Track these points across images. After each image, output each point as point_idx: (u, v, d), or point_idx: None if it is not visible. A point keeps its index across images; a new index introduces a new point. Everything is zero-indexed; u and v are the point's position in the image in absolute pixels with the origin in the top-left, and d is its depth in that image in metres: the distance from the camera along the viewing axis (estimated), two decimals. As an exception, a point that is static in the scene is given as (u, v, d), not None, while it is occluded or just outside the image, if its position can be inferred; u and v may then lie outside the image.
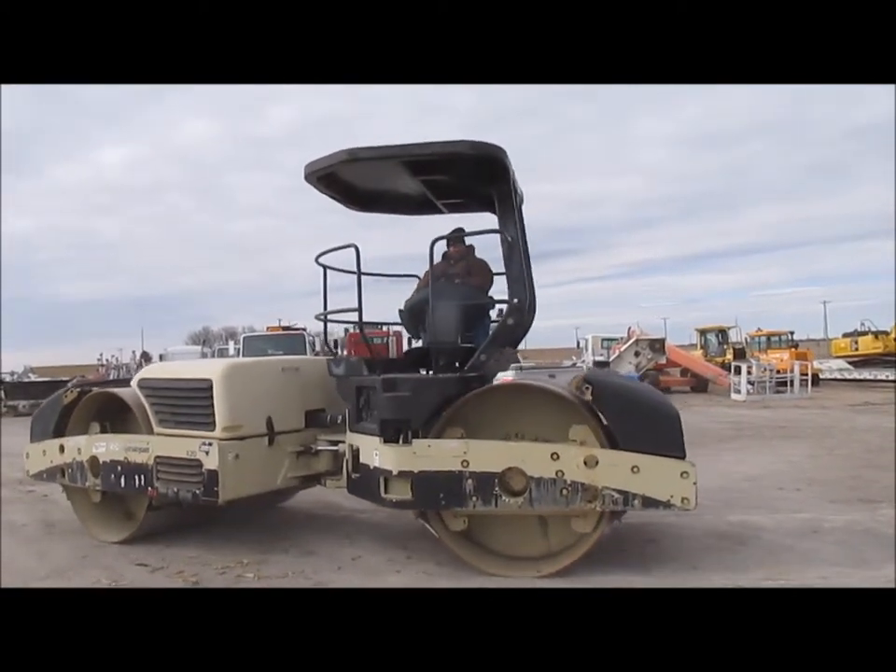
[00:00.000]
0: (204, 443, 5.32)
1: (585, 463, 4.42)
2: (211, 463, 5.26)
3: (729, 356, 26.47)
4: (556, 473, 4.47)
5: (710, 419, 15.49)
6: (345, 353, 20.14)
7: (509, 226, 5.09)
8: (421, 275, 6.04)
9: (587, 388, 4.52)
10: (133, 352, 33.05)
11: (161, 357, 24.99)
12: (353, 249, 5.04)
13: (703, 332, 29.54)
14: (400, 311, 5.94)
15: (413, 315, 5.72)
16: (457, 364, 5.19)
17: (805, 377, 21.88)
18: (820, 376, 25.83)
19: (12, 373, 28.09)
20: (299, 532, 5.98)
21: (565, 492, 4.45)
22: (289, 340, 19.57)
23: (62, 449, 6.29)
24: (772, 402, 19.83)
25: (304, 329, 21.09)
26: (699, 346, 29.33)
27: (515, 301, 5.05)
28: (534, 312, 6.00)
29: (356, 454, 5.22)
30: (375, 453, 4.93)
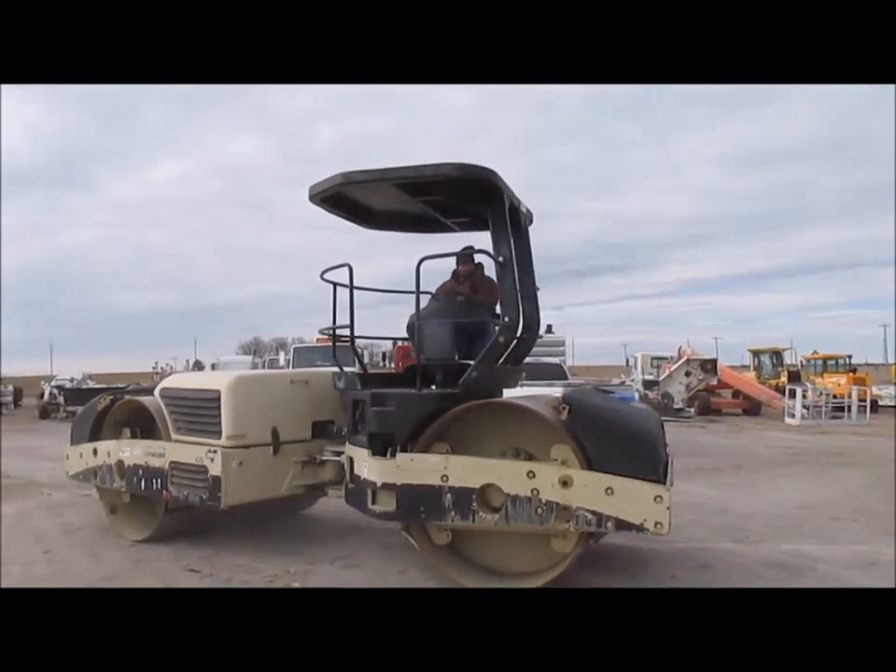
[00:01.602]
0: (210, 450, 5.59)
1: (560, 483, 4.47)
2: (215, 469, 5.51)
3: (783, 378, 25.77)
4: (532, 492, 4.52)
5: (763, 443, 15.16)
6: (393, 365, 20.45)
7: (501, 246, 5.17)
8: (433, 291, 6.19)
9: (564, 409, 4.58)
10: (187, 361, 34.19)
11: (213, 367, 25.73)
12: (347, 268, 5.28)
13: (756, 354, 28.82)
14: (407, 326, 6.09)
15: (418, 330, 5.85)
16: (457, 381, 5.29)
17: (862, 403, 21.16)
18: (879, 402, 24.84)
19: (72, 380, 29.28)
20: (345, 544, 6.15)
21: (539, 510, 4.51)
22: (340, 351, 19.89)
23: (95, 452, 6.70)
24: (828, 428, 19.23)
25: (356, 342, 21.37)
26: (752, 368, 28.64)
27: (506, 319, 5.14)
28: (536, 330, 6.11)
29: (352, 465, 5.38)
30: (364, 465, 5.09)
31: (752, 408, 24.13)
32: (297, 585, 4.92)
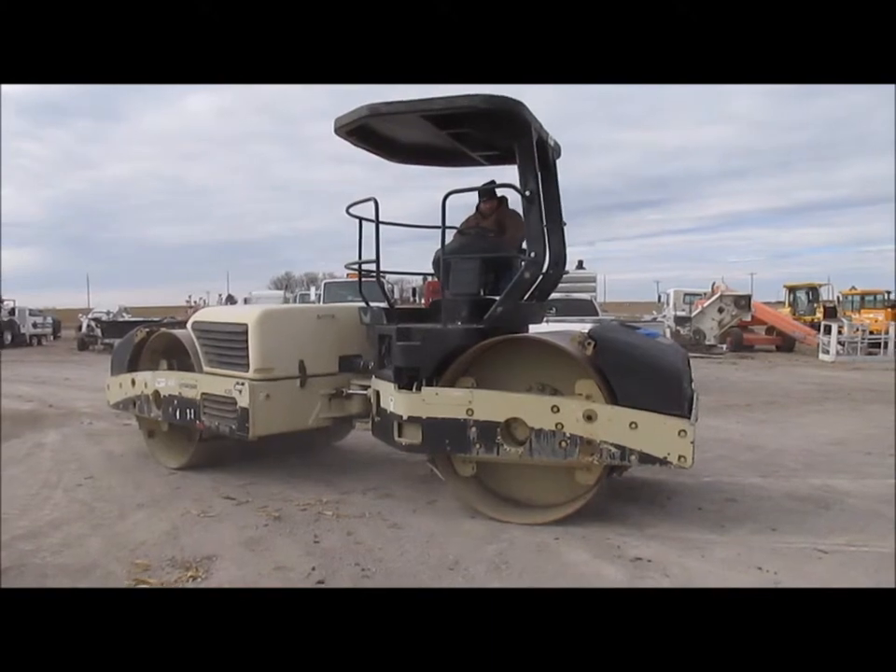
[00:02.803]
0: (238, 383, 5.70)
1: (584, 417, 4.50)
2: (243, 401, 5.63)
3: (819, 314, 25.33)
4: (556, 426, 4.56)
5: (796, 380, 15.02)
6: (423, 301, 20.47)
7: (528, 180, 5.08)
8: (458, 225, 6.14)
9: (589, 344, 4.57)
10: (220, 295, 34.51)
11: (246, 301, 26.01)
12: (373, 202, 5.25)
13: (792, 289, 28.27)
14: (433, 262, 6.07)
15: (443, 265, 5.83)
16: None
17: (900, 339, 20.74)
18: (919, 338, 24.33)
19: (108, 313, 29.78)
20: (377, 475, 6.27)
21: (563, 444, 4.55)
22: (368, 286, 19.94)
23: (133, 383, 6.89)
24: (863, 364, 18.99)
25: (384, 277, 21.42)
26: (787, 304, 28.15)
27: (532, 254, 5.09)
28: (562, 266, 6.05)
29: (378, 398, 5.46)
30: (390, 398, 5.16)
31: (786, 344, 23.85)
32: (329, 514, 5.05)
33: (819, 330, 22.03)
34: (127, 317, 28.32)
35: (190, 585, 3.82)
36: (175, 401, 6.31)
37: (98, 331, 26.71)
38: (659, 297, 29.35)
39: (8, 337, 29.27)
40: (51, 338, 34.67)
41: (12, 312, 30.75)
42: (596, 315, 13.59)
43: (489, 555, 4.25)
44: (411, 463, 6.42)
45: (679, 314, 24.54)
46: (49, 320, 34.80)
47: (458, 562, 4.14)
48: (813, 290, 27.90)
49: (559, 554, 4.27)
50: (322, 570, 4.02)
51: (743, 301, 23.15)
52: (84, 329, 28.30)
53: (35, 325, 32.41)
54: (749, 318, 23.67)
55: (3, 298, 30.71)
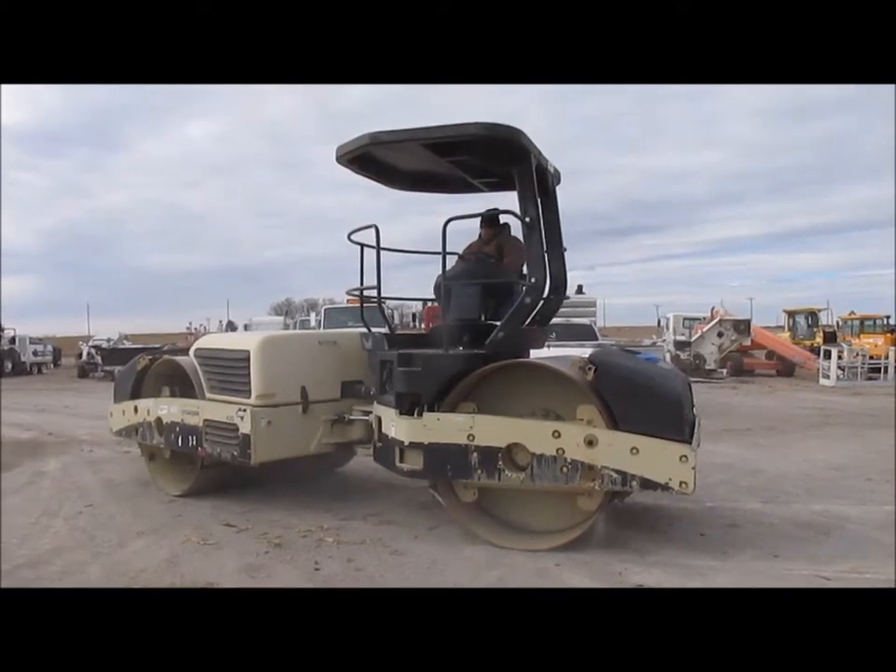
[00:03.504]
0: (241, 409, 5.71)
1: (585, 442, 4.51)
2: (245, 427, 5.64)
3: (819, 339, 25.35)
4: (557, 451, 4.57)
5: (796, 404, 15.00)
6: (423, 326, 20.52)
7: (528, 206, 5.15)
8: (460, 251, 6.20)
9: (590, 369, 4.59)
10: (220, 321, 34.55)
11: (246, 327, 26.03)
12: (374, 229, 5.31)
13: (791, 314, 28.36)
14: (435, 287, 6.11)
15: (444, 291, 5.87)
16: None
17: (901, 364, 20.74)
18: (918, 364, 24.34)
19: (108, 340, 29.82)
20: (378, 501, 6.25)
21: (565, 469, 4.56)
22: (369, 312, 20.00)
23: (136, 410, 6.90)
24: (863, 389, 18.94)
25: (384, 303, 21.46)
26: (787, 329, 28.22)
27: (533, 280, 5.13)
28: (563, 291, 6.09)
29: (380, 424, 5.47)
30: (392, 424, 5.17)
31: (786, 369, 23.82)
32: (330, 541, 5.03)
33: (818, 355, 22.03)
34: (127, 345, 28.36)
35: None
36: (178, 428, 6.31)
37: (98, 359, 26.75)
38: (659, 321, 29.44)
39: (9, 365, 29.25)
40: (52, 366, 34.67)
41: (13, 340, 30.75)
42: (596, 339, 13.61)
43: (490, 581, 4.23)
44: (412, 489, 6.40)
45: (679, 338, 24.60)
46: (50, 348, 34.81)
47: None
48: (812, 315, 27.99)
49: (560, 581, 4.25)
50: (323, 598, 3.98)
51: (742, 326, 23.20)
52: (84, 356, 28.35)
53: (35, 353, 32.41)
54: (748, 343, 23.70)
55: (3, 326, 30.74)
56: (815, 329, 27.07)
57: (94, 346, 28.47)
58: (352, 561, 4.61)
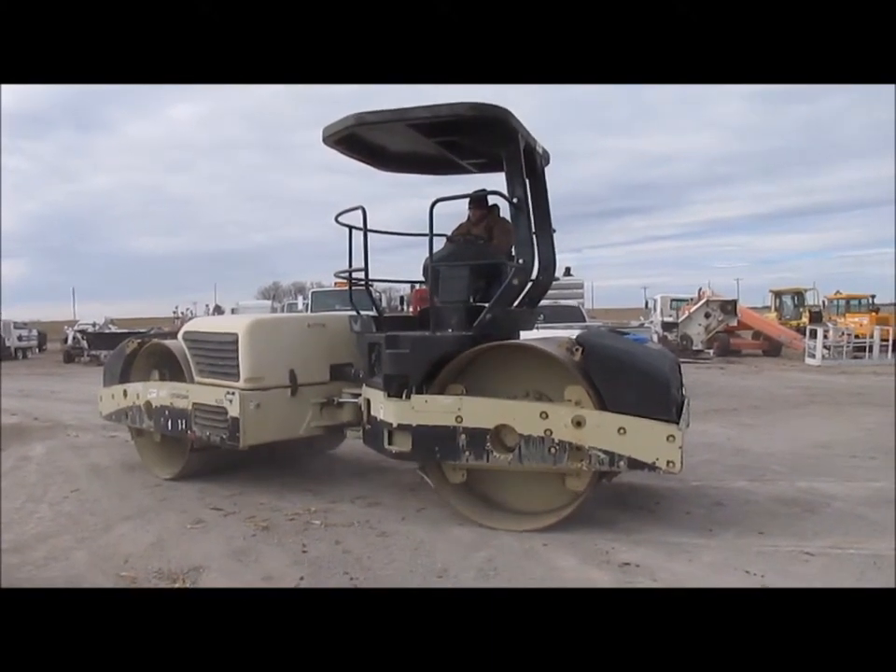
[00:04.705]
0: (229, 392, 5.70)
1: (573, 423, 4.52)
2: (234, 411, 5.63)
3: (805, 319, 25.49)
4: (545, 432, 4.59)
5: (782, 384, 15.11)
6: (411, 309, 20.49)
7: (516, 187, 5.12)
8: (448, 233, 6.17)
9: (577, 350, 4.60)
10: (207, 305, 34.39)
11: (233, 311, 25.91)
12: (361, 210, 5.26)
13: (778, 294, 28.48)
14: (423, 269, 6.09)
15: (432, 273, 5.85)
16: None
17: (885, 343, 20.93)
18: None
19: (94, 324, 29.60)
20: (366, 483, 6.26)
21: (553, 450, 4.57)
22: (357, 295, 19.82)
23: (125, 394, 6.87)
24: (848, 368, 19.11)
25: (372, 285, 21.42)
26: (773, 309, 28.34)
27: (521, 261, 5.13)
28: (552, 272, 6.10)
29: (368, 406, 5.47)
30: (380, 406, 5.17)
31: (772, 349, 24.00)
32: (317, 523, 5.04)
33: (805, 335, 22.20)
34: (113, 329, 28.18)
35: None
36: (167, 412, 6.29)
37: (84, 343, 26.59)
38: (646, 303, 29.52)
39: (-7, 351, 29.02)
40: (37, 350, 34.40)
41: (-4, 325, 30.49)
42: (584, 321, 13.67)
43: (478, 562, 4.26)
44: (400, 471, 6.41)
45: (667, 319, 24.76)
46: (35, 333, 34.53)
47: (447, 569, 4.15)
48: (799, 295, 28.14)
49: (547, 560, 4.28)
50: (310, 580, 4.01)
51: (729, 307, 23.38)
52: (70, 341, 28.14)
53: (20, 338, 32.15)
54: (735, 323, 23.87)
55: (-12, 311, 30.46)
56: (801, 310, 27.21)
57: (80, 331, 28.25)
58: (339, 543, 4.62)
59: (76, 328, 29.50)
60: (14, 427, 9.80)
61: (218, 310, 30.66)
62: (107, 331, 27.10)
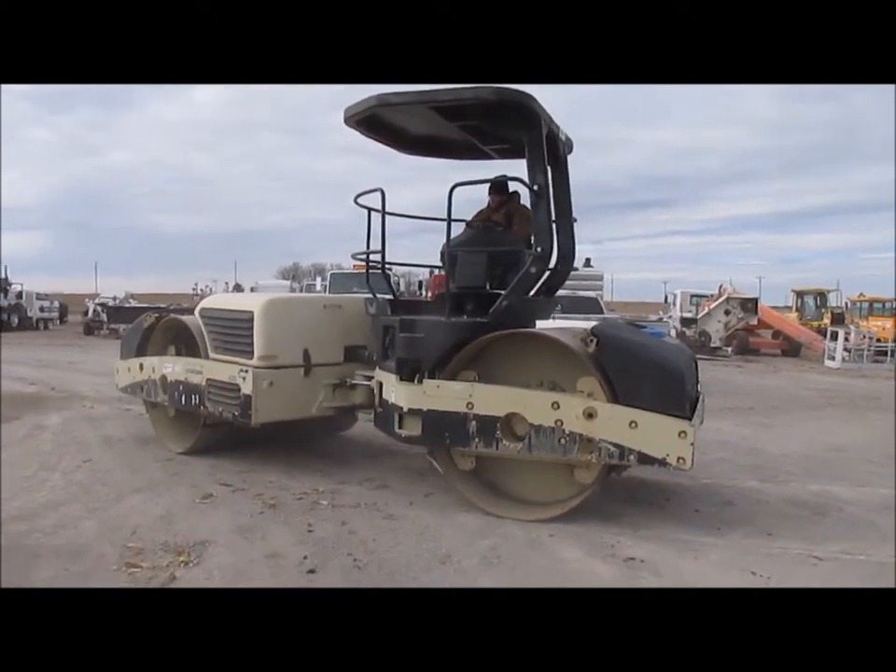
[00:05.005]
0: (243, 370, 5.72)
1: (584, 415, 4.49)
2: (247, 388, 5.65)
3: (826, 320, 25.20)
4: (555, 422, 4.56)
5: (800, 384, 14.95)
6: (429, 294, 20.49)
7: (537, 174, 5.07)
8: (469, 218, 6.13)
9: (592, 341, 4.56)
10: (226, 283, 34.67)
11: (252, 290, 26.02)
12: (380, 193, 5.26)
13: (800, 294, 28.15)
14: (441, 254, 6.06)
15: (449, 258, 5.82)
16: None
17: (906, 347, 20.64)
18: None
19: (114, 298, 29.87)
20: (375, 466, 6.27)
21: (563, 441, 4.55)
22: (374, 277, 19.81)
23: (141, 367, 6.92)
24: (868, 372, 18.84)
25: (390, 269, 21.40)
26: (794, 309, 28.03)
27: (539, 249, 5.08)
28: (570, 262, 6.04)
29: (380, 389, 5.46)
30: (392, 389, 5.17)
31: (792, 349, 23.74)
32: (325, 504, 5.05)
33: (825, 336, 21.94)
34: (133, 303, 28.45)
35: (182, 570, 3.84)
36: (181, 387, 6.33)
37: (104, 316, 26.86)
38: (666, 297, 29.30)
39: (15, 320, 29.37)
40: (58, 322, 34.78)
41: (19, 295, 30.82)
42: (602, 313, 13.58)
43: (482, 550, 4.25)
44: (410, 455, 6.42)
45: (686, 315, 24.54)
46: (56, 304, 34.91)
47: (450, 555, 4.14)
48: (821, 296, 27.81)
49: (552, 551, 4.26)
50: (314, 559, 4.02)
51: (750, 305, 23.15)
52: (90, 314, 28.41)
53: (42, 309, 32.53)
54: (755, 322, 23.62)
55: (11, 281, 30.78)
56: (823, 311, 26.90)
57: (100, 304, 28.53)
58: (345, 524, 4.63)
59: (96, 301, 29.79)
60: (31, 396, 9.92)
61: (238, 288, 30.89)
62: (127, 305, 27.35)
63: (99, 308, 27.99)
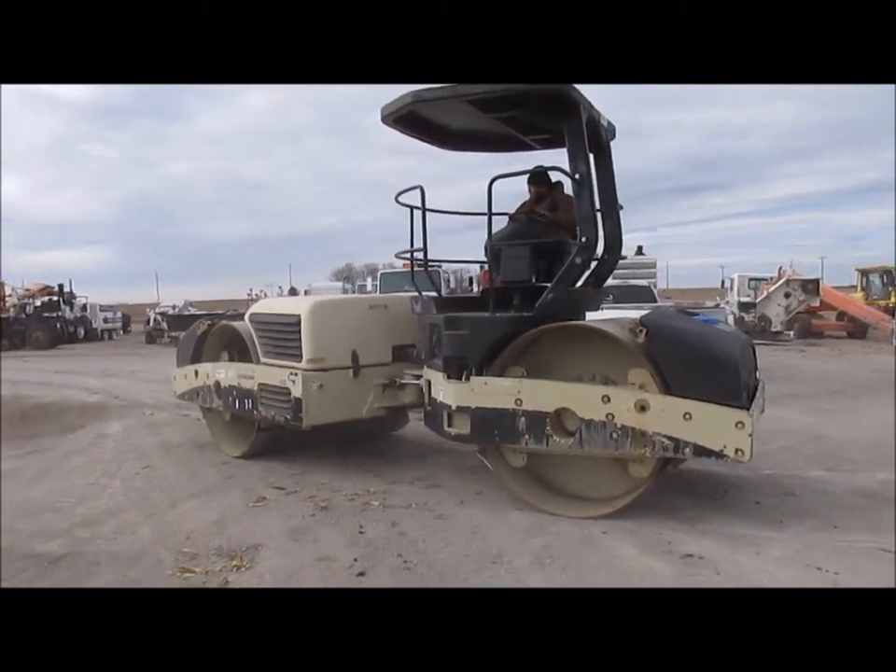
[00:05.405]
0: (292, 373, 5.76)
1: (636, 408, 4.37)
2: (297, 391, 5.68)
3: (894, 299, 24.19)
4: (607, 416, 4.45)
5: (866, 367, 14.34)
6: (479, 289, 20.43)
7: (578, 163, 4.95)
8: (510, 211, 6.05)
9: (641, 331, 4.43)
10: (279, 287, 35.14)
11: (306, 293, 26.35)
12: (419, 190, 5.22)
13: (865, 273, 26.96)
14: (485, 248, 6.00)
15: (492, 252, 5.75)
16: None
17: (982, 325, 19.72)
18: None
19: (174, 307, 30.68)
20: (426, 465, 6.27)
21: (615, 435, 4.43)
22: (420, 275, 19.78)
23: (196, 374, 7.07)
24: (942, 352, 18.08)
25: (440, 266, 21.46)
26: (860, 288, 26.89)
27: (584, 239, 4.97)
28: (618, 251, 5.90)
29: (429, 388, 5.43)
30: (440, 388, 5.13)
31: (858, 331, 22.83)
32: (376, 504, 5.05)
33: (894, 316, 21.08)
34: (192, 311, 29.09)
35: (234, 575, 3.87)
36: (235, 392, 6.42)
37: (164, 325, 27.57)
38: (723, 282, 28.54)
39: (81, 332, 30.42)
40: (121, 332, 35.88)
41: (84, 308, 31.90)
42: (654, 301, 13.30)
43: (533, 548, 4.17)
44: (460, 453, 6.37)
45: (744, 299, 23.89)
46: (119, 315, 36.01)
47: (501, 555, 4.08)
48: (888, 273, 26.54)
49: (606, 548, 4.16)
50: (364, 562, 4.02)
51: (811, 286, 22.44)
52: (151, 322, 29.23)
53: (105, 320, 33.62)
54: (817, 304, 22.87)
55: (75, 294, 31.85)
56: (890, 289, 25.77)
57: (160, 313, 29.37)
58: (396, 525, 4.62)
59: (157, 310, 30.63)
60: (95, 405, 10.23)
61: (293, 292, 31.29)
62: (186, 313, 27.99)
63: (159, 317, 28.80)
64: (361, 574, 3.84)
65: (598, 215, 5.28)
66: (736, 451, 4.16)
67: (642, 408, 4.36)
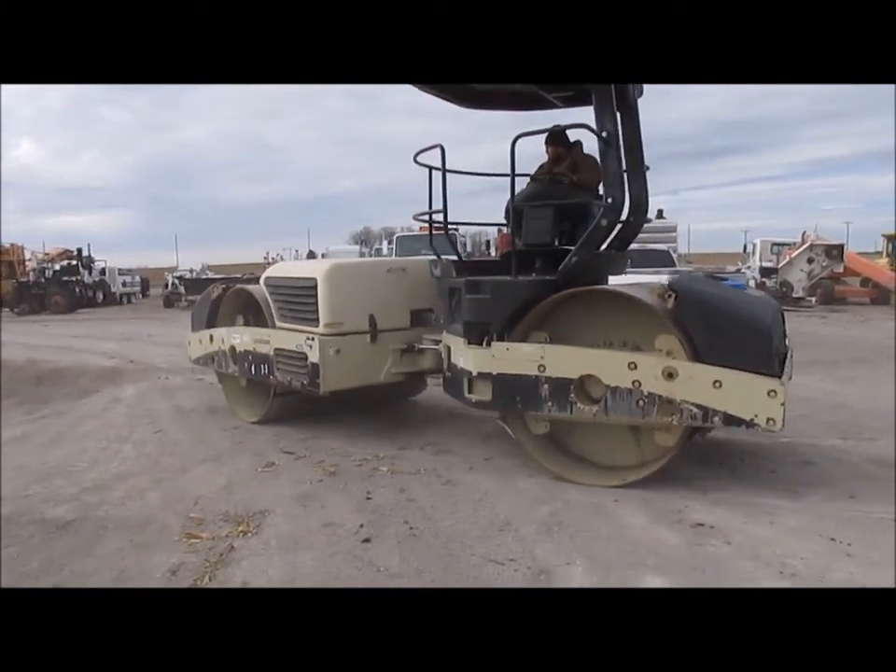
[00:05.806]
0: (309, 338, 5.66)
1: (664, 375, 4.23)
2: (314, 356, 5.59)
3: (921, 265, 23.70)
4: (633, 383, 4.32)
5: (889, 335, 14.02)
6: (497, 253, 20.20)
7: (605, 121, 4.77)
8: (532, 172, 5.87)
9: (670, 296, 4.27)
10: (296, 251, 35.03)
11: (324, 256, 26.23)
12: (440, 149, 5.08)
13: (891, 239, 26.43)
14: (506, 210, 5.83)
15: (514, 214, 5.59)
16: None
17: None
18: None
19: (191, 271, 30.67)
20: (437, 430, 6.19)
21: (641, 403, 4.31)
22: (438, 239, 19.58)
23: (211, 339, 7.00)
24: (967, 319, 17.73)
25: (456, 230, 21.24)
26: (885, 254, 26.36)
27: (610, 200, 4.79)
28: (644, 213, 5.71)
29: (449, 353, 5.32)
30: (460, 354, 5.01)
31: (881, 297, 22.38)
32: (384, 470, 4.99)
33: (919, 282, 20.68)
34: (210, 275, 29.09)
35: (240, 541, 3.84)
36: (250, 357, 6.35)
37: (182, 289, 27.58)
38: (745, 247, 28.06)
39: (100, 296, 30.53)
40: (140, 296, 36.00)
41: (103, 272, 31.97)
42: (674, 266, 13.07)
43: (542, 516, 4.09)
44: (473, 419, 6.27)
45: (766, 264, 23.50)
46: (138, 279, 36.11)
47: (509, 522, 4.00)
48: (915, 239, 26.10)
49: (616, 517, 4.07)
50: (370, 528, 3.97)
51: (835, 251, 22.04)
52: (169, 286, 29.25)
53: (124, 284, 33.71)
54: (840, 269, 22.46)
55: (94, 258, 31.90)
56: (917, 255, 25.27)
57: (178, 277, 29.35)
58: (403, 491, 4.56)
59: (174, 274, 30.64)
60: (111, 369, 10.21)
61: (311, 255, 31.19)
62: (203, 277, 27.98)
63: (177, 281, 28.79)
64: (366, 541, 3.79)
65: (624, 175, 5.08)
66: (768, 420, 4.04)
67: (670, 375, 4.23)
